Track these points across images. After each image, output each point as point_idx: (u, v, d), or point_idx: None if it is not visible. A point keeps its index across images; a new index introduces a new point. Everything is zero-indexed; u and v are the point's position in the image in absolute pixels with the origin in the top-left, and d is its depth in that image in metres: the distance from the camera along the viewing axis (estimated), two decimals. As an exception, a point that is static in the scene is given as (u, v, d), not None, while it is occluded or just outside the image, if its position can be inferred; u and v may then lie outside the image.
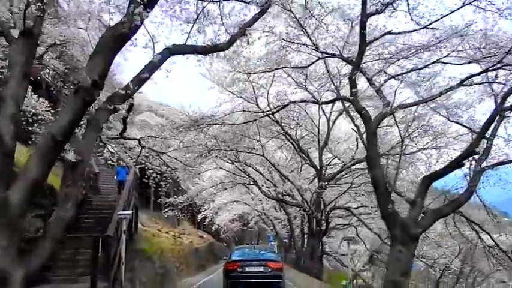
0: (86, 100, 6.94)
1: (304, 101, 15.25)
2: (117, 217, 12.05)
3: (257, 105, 18.66)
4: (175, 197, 24.22)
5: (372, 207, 20.63)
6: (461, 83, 10.75)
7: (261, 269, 12.54)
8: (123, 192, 14.65)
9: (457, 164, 10.61)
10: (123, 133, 11.29)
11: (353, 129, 15.36)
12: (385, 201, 10.13)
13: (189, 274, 21.47)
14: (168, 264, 17.35)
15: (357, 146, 21.01)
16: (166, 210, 24.69)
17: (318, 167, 19.63)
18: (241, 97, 17.94)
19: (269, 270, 12.49)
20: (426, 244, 21.74)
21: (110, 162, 14.79)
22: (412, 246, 9.80)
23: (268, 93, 18.32)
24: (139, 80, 7.66)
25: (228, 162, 21.41)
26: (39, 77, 15.08)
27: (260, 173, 23.57)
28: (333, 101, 14.99)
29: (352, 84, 10.83)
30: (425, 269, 28.59)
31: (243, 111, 16.31)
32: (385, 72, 12.63)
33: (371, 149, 10.51)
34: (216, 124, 14.15)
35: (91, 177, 17.13)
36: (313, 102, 15.13)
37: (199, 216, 36.21)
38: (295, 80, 18.83)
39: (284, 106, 13.85)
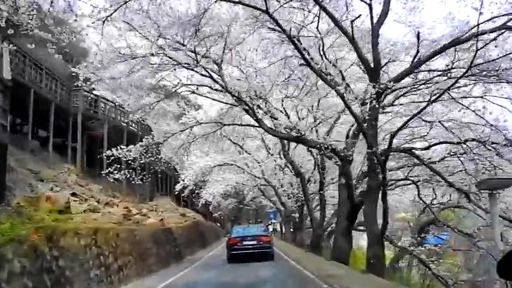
0: None
1: None
2: None
3: None
4: (121, 147, 14.74)
5: (462, 142, 11.35)
6: None
7: (255, 242, 16.17)
8: None
9: None
10: None
11: None
12: None
13: (139, 274, 12.24)
14: (67, 263, 8.04)
15: (418, 49, 11.79)
16: (111, 170, 15.27)
17: (372, 64, 10.17)
18: None
19: (261, 243, 16.18)
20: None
21: None
22: None
23: None
24: None
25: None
26: None
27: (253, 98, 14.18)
28: None
29: None
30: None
31: None
32: None
33: None
34: None
35: None
36: None
37: (177, 187, 26.88)
38: None
39: None
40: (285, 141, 21.51)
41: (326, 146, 12.26)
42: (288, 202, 27.14)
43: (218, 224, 51.14)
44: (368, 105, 9.44)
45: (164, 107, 47.84)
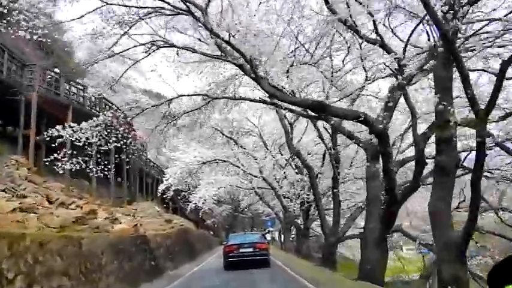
0: None
1: None
2: None
3: None
4: (70, 125, 10.71)
5: None
6: None
7: (251, 249, 16.30)
8: None
9: None
10: None
11: None
12: None
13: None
14: None
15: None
16: (57, 157, 11.25)
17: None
18: None
19: (257, 250, 16.29)
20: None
21: None
22: None
23: None
24: None
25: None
26: None
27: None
28: None
29: None
30: None
31: None
32: None
33: None
34: None
35: None
36: None
37: (161, 187, 22.77)
38: None
39: None
40: (289, 129, 17.62)
41: (358, 115, 8.32)
42: (290, 205, 23.13)
43: (211, 232, 47.00)
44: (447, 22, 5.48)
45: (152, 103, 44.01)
